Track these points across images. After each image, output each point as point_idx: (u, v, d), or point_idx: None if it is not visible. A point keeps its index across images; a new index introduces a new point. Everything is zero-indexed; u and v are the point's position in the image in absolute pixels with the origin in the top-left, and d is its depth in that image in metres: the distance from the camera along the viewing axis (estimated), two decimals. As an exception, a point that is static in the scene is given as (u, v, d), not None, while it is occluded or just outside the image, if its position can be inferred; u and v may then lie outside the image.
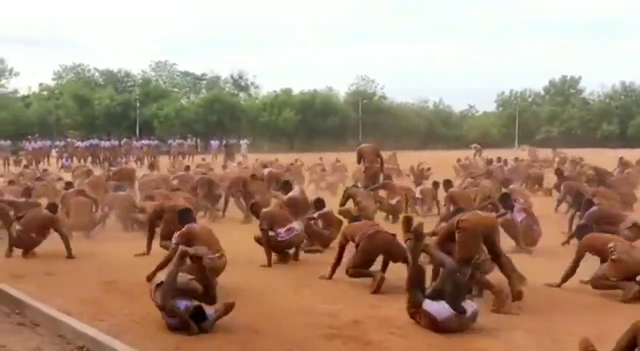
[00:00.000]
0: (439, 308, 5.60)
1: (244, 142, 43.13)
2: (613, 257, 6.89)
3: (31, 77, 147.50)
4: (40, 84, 75.61)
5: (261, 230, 8.86)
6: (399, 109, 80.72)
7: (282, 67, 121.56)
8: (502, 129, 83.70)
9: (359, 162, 15.06)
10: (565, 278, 7.26)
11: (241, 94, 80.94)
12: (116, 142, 41.23)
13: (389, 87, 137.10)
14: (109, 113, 66.04)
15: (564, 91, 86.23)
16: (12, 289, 7.26)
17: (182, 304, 5.66)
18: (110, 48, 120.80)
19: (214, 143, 43.09)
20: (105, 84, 75.08)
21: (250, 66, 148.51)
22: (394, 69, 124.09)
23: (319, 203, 10.50)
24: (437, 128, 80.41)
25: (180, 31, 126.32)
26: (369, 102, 76.48)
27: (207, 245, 7.08)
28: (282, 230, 8.82)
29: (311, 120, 69.37)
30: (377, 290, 7.14)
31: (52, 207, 10.18)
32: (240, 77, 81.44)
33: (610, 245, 7.00)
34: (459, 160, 26.31)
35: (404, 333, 5.69)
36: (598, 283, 7.01)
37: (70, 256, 9.29)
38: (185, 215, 7.88)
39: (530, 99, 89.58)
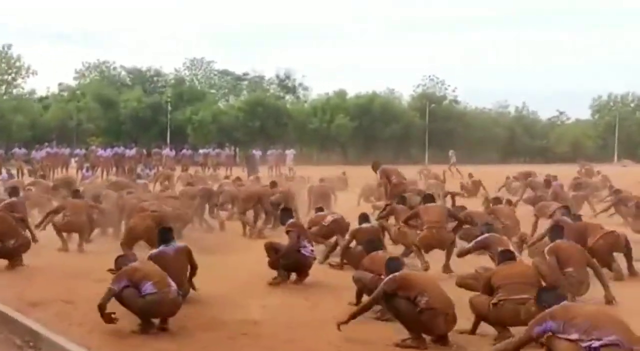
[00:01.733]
0: None
1: (290, 152, 43.27)
2: None
3: (50, 76, 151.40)
4: (60, 84, 77.43)
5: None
6: (474, 115, 79.93)
7: (335, 65, 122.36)
8: (598, 141, 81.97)
9: (384, 181, 15.63)
10: None
11: (288, 97, 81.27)
12: (144, 151, 41.93)
13: (462, 89, 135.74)
14: (137, 118, 67.16)
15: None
16: (26, 319, 7.39)
17: None
18: (139, 43, 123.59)
19: (256, 153, 43.43)
20: (133, 84, 76.54)
21: (298, 65, 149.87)
22: (468, 68, 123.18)
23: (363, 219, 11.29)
24: (519, 138, 79.31)
25: (220, 24, 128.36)
26: (438, 107, 75.95)
27: (150, 280, 7.18)
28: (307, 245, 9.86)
29: (369, 127, 69.19)
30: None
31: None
32: (287, 77, 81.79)
33: None
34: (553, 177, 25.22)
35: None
36: None
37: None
38: (164, 235, 8.43)
39: (633, 104, 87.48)
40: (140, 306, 7.10)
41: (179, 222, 13.14)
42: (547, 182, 20.67)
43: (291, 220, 10.19)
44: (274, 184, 17.60)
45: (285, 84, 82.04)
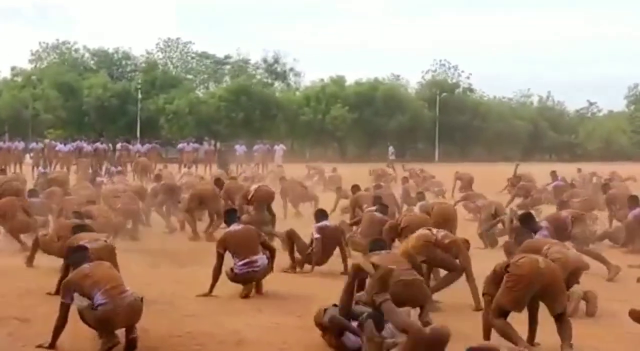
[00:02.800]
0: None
1: (279, 148, 43.25)
2: None
3: (1, 59, 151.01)
4: (13, 68, 76.92)
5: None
6: (491, 106, 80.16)
7: (332, 47, 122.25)
8: (634, 136, 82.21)
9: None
10: None
11: (277, 84, 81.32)
12: (109, 145, 41.88)
13: (478, 75, 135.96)
14: (102, 108, 67.04)
15: None
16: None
17: None
18: (105, 21, 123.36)
19: (240, 148, 43.40)
20: (98, 69, 76.37)
21: (289, 47, 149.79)
22: (485, 51, 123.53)
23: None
24: (544, 132, 79.56)
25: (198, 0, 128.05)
26: (450, 96, 76.14)
27: (100, 288, 7.19)
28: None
29: (370, 120, 69.28)
30: None
31: None
32: (276, 61, 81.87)
33: None
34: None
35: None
36: None
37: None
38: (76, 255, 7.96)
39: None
40: (94, 319, 7.10)
41: (107, 231, 12.81)
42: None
43: (232, 227, 10.36)
44: (218, 181, 18.20)
45: (274, 69, 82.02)
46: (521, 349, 6.74)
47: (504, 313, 7.34)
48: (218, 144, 57.85)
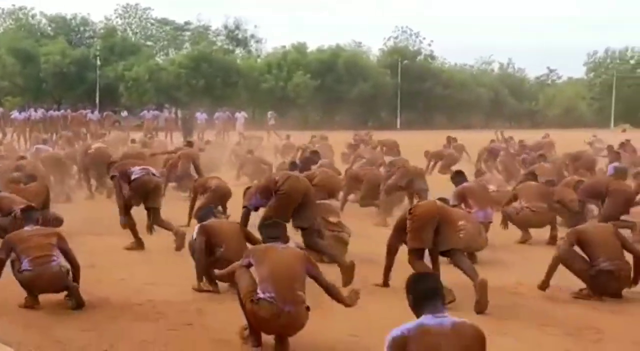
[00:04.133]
0: None
1: (240, 115, 43.10)
2: None
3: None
4: (-33, 34, 76.04)
5: None
6: (453, 73, 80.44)
7: (293, 14, 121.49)
8: (594, 103, 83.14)
9: None
10: None
11: (238, 51, 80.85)
12: (67, 113, 41.40)
13: (439, 42, 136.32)
14: (60, 75, 66.25)
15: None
16: None
17: None
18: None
19: (201, 116, 43.15)
20: (55, 35, 75.27)
21: (250, 13, 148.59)
22: (446, 19, 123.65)
23: None
24: (504, 99, 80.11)
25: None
26: (412, 63, 76.25)
27: (28, 255, 7.82)
28: None
29: (332, 87, 69.23)
30: None
31: None
32: (237, 28, 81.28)
33: None
34: None
35: None
36: None
37: None
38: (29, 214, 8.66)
39: (632, 61, 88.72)
40: (20, 280, 7.79)
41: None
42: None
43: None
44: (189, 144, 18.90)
45: (235, 36, 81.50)
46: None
47: (419, 255, 8.13)
48: (179, 112, 57.50)
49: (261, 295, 6.10)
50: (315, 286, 6.53)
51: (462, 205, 11.49)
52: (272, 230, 6.94)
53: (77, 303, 7.73)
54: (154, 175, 11.59)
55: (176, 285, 8.62)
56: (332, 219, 10.58)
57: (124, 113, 46.77)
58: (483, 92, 78.12)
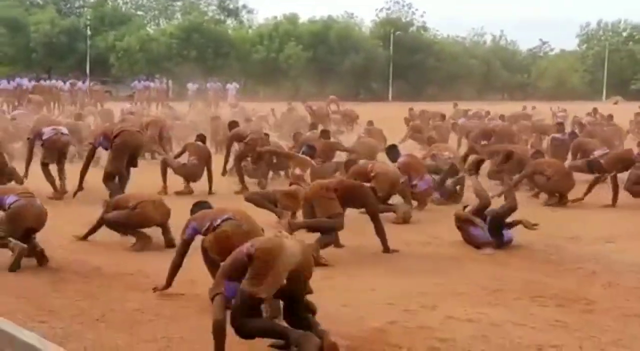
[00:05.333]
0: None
1: (232, 86, 43.10)
2: None
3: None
4: (-44, 3, 75.31)
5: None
6: (445, 45, 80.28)
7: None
8: (586, 75, 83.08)
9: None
10: None
11: (229, 21, 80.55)
12: (58, 83, 41.22)
13: (432, 14, 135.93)
14: (50, 44, 65.99)
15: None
16: None
17: None
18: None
19: (192, 86, 43.08)
20: (45, 4, 74.85)
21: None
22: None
23: None
24: (496, 72, 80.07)
25: None
26: (404, 35, 76.02)
27: (12, 192, 8.48)
28: None
29: (324, 58, 69.11)
30: None
31: None
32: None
33: None
34: None
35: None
36: None
37: None
38: None
39: (625, 34, 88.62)
40: (7, 218, 8.11)
41: None
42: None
43: None
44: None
45: (226, 6, 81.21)
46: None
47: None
48: (169, 82, 57.33)
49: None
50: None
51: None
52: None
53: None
54: (62, 133, 13.27)
55: (169, 253, 8.62)
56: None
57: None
58: (475, 64, 78.00)
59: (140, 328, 6.20)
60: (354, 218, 10.35)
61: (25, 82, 38.36)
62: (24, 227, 8.14)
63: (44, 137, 12.95)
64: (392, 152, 13.04)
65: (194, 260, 7.10)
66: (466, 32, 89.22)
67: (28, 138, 13.46)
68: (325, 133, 16.46)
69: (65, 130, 13.46)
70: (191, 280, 7.51)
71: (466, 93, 66.64)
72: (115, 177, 11.95)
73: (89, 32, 66.78)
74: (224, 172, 15.18)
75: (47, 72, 61.79)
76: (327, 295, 7.23)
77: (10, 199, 8.19)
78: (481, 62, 79.17)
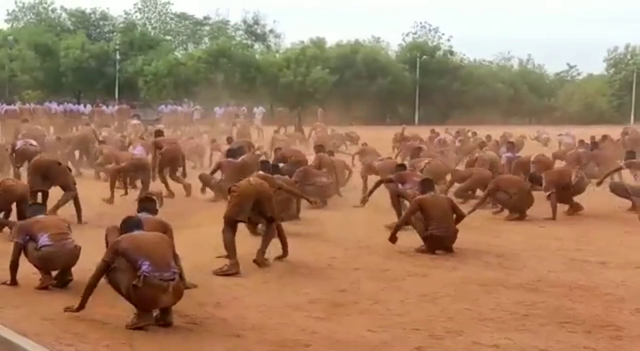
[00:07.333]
0: None
1: (258, 111, 43.21)
2: None
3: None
4: (-11, 28, 76.30)
5: None
6: (472, 69, 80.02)
7: (312, 9, 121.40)
8: (614, 99, 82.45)
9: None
10: None
11: (257, 46, 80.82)
12: (87, 108, 41.69)
13: (458, 38, 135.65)
14: (80, 69, 66.46)
15: None
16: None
17: None
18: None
19: (219, 110, 43.26)
20: (75, 29, 75.57)
21: (269, 8, 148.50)
22: (465, 13, 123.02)
23: None
24: (524, 96, 79.58)
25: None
26: (431, 59, 75.92)
27: (47, 231, 8.35)
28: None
29: (351, 82, 69.09)
30: None
31: None
32: (256, 23, 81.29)
33: None
34: None
35: None
36: None
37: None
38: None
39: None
40: (37, 258, 8.17)
41: None
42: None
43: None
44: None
45: (254, 31, 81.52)
46: (234, 260, 9.05)
47: (232, 224, 9.43)
48: (197, 106, 57.58)
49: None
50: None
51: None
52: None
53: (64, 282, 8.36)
54: (31, 145, 16.94)
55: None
56: None
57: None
58: (502, 88, 77.61)
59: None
60: (376, 242, 10.32)
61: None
62: (54, 269, 8.32)
63: (16, 148, 16.96)
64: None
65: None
66: (493, 56, 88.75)
67: (7, 150, 17.80)
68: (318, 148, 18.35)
69: (34, 143, 17.32)
70: (217, 303, 7.50)
71: (492, 117, 66.36)
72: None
73: (118, 57, 67.30)
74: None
75: (76, 96, 62.25)
76: (352, 319, 7.23)
77: (43, 240, 8.16)
78: (508, 86, 78.71)
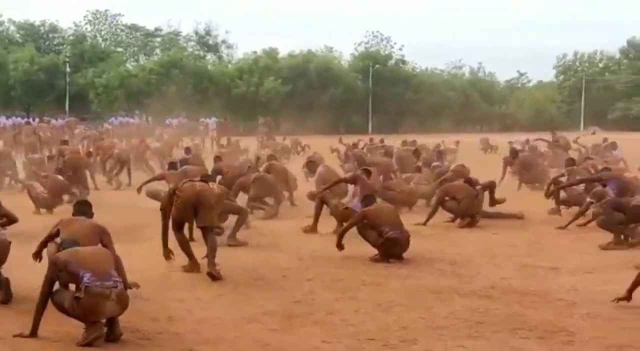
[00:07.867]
0: None
1: (211, 121, 43.07)
2: None
3: None
4: None
5: None
6: (424, 78, 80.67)
7: (264, 19, 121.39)
8: (563, 106, 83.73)
9: None
10: None
11: (209, 56, 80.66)
12: (36, 122, 41.11)
13: (410, 47, 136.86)
14: (29, 82, 65.80)
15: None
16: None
17: None
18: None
19: (174, 121, 43.06)
20: (24, 42, 74.78)
21: (221, 18, 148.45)
22: (416, 22, 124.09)
23: None
24: (475, 103, 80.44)
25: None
26: (383, 68, 76.36)
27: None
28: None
29: (303, 92, 69.23)
30: None
31: None
32: (208, 34, 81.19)
33: None
34: None
35: None
36: None
37: None
38: None
39: (601, 65, 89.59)
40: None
41: None
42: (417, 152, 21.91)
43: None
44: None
45: (206, 42, 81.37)
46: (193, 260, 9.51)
47: (180, 226, 9.67)
48: (149, 119, 57.24)
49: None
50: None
51: None
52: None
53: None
54: None
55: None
56: None
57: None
58: (453, 96, 78.32)
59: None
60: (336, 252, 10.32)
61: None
62: None
63: None
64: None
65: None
66: (444, 64, 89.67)
67: None
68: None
69: None
70: (170, 317, 7.41)
71: (444, 125, 66.95)
72: None
73: (68, 69, 66.72)
74: None
75: (26, 110, 61.52)
76: (307, 330, 7.20)
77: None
78: (459, 94, 79.45)
